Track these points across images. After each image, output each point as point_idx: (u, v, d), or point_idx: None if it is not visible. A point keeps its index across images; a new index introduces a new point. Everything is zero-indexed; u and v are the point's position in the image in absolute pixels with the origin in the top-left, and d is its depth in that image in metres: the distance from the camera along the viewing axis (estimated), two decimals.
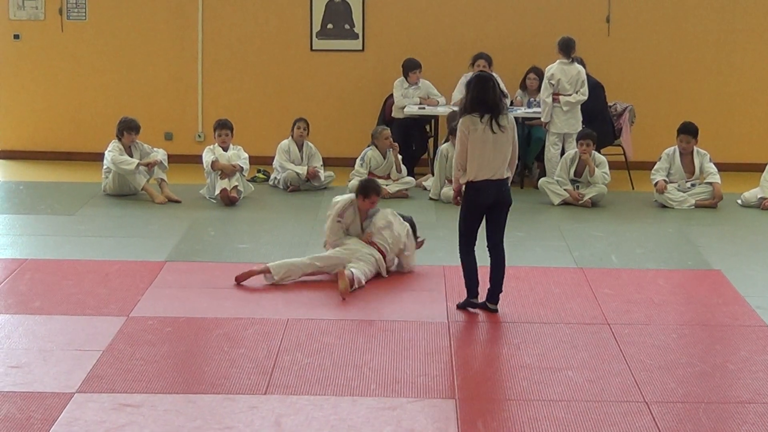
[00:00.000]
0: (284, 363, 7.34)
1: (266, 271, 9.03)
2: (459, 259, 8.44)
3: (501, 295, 8.37)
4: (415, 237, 9.59)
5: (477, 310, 8.39)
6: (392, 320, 8.25)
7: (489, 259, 8.39)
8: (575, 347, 7.74)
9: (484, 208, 8.28)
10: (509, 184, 8.39)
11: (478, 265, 8.39)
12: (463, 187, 8.32)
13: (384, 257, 9.26)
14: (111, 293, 8.73)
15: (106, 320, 8.10)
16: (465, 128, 8.23)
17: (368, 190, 9.49)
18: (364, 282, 8.95)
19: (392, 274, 9.34)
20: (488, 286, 8.38)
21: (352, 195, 9.59)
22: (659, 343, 7.84)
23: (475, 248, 8.37)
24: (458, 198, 8.38)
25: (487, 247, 8.39)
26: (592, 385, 7.08)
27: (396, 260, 9.41)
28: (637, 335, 7.98)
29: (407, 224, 9.52)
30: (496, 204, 8.27)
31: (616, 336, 7.95)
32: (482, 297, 8.42)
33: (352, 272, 8.88)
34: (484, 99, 8.20)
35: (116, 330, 7.88)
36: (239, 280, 9.03)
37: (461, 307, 8.44)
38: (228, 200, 11.98)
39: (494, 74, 13.24)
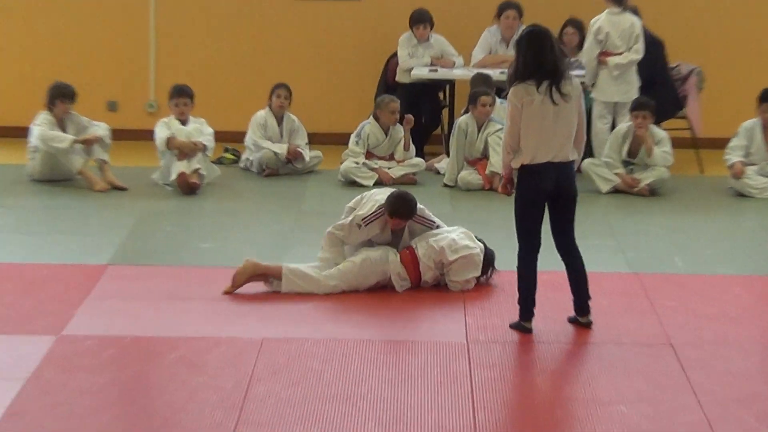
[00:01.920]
0: (257, 395, 7.32)
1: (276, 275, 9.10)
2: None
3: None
4: (489, 268, 9.33)
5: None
6: (397, 340, 8.28)
7: (564, 267, 8.48)
8: (628, 374, 7.73)
9: (544, 197, 8.28)
10: (575, 171, 8.38)
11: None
12: (515, 173, 8.28)
13: (414, 265, 9.16)
14: (37, 306, 8.73)
15: (31, 340, 8.09)
16: (518, 100, 8.19)
17: (393, 211, 9.17)
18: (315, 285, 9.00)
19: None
20: (572, 298, 8.49)
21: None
22: (736, 370, 7.84)
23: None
24: (507, 187, 8.37)
25: (559, 252, 8.47)
26: (650, 423, 7.07)
27: (435, 276, 9.24)
28: (707, 359, 7.99)
29: (475, 246, 9.24)
30: (558, 194, 8.28)
31: (681, 360, 7.95)
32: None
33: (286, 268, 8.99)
34: (541, 62, 8.15)
35: (43, 353, 7.86)
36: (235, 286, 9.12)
37: (514, 327, 8.46)
38: (187, 187, 11.97)
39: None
